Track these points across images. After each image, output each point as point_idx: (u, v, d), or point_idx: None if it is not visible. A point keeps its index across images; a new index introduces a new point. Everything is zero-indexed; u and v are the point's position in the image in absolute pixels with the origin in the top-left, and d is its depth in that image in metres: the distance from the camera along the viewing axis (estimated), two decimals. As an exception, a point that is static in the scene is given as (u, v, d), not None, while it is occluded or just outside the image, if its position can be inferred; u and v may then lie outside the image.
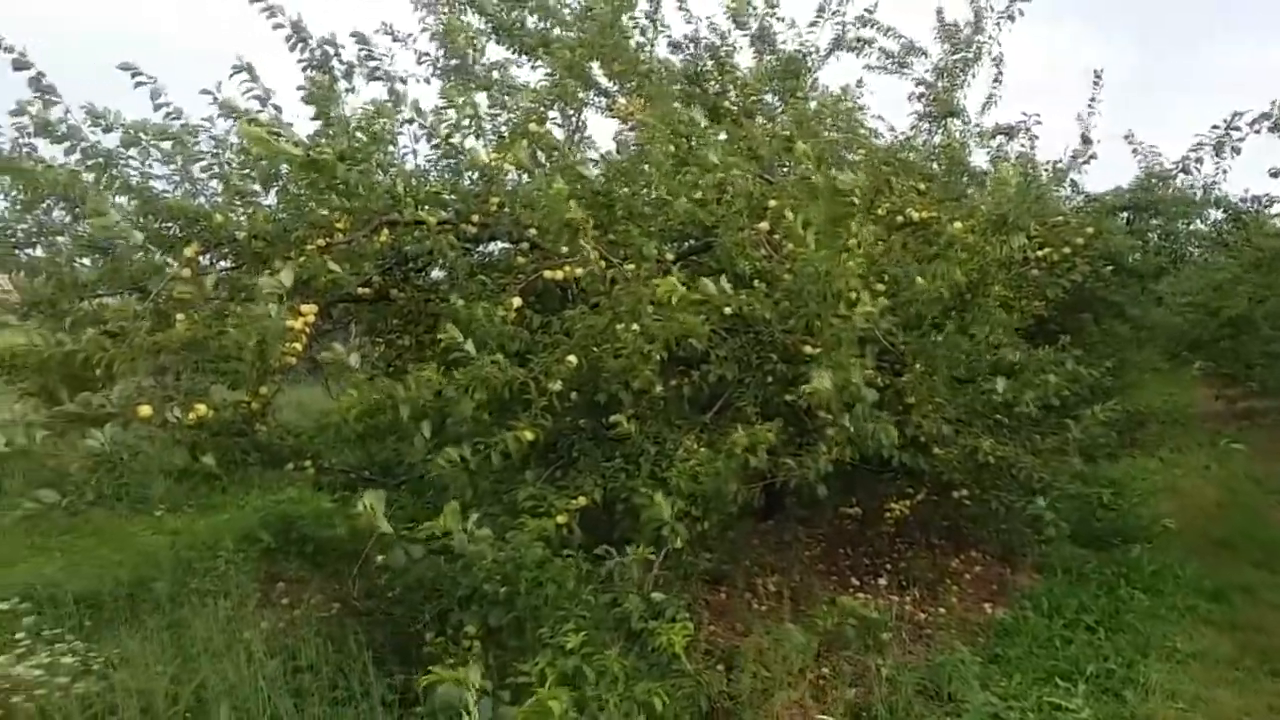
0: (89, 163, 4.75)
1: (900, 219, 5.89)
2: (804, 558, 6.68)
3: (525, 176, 5.26)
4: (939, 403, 5.28)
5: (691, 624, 4.05)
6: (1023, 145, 7.57)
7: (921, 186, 6.33)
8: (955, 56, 7.61)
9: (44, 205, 5.02)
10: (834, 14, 7.65)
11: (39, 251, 5.16)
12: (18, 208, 5.11)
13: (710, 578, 5.86)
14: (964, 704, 4.62)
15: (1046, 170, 7.57)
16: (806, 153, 4.49)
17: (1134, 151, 7.88)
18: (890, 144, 7.30)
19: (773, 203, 4.94)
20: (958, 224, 5.36)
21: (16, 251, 5.16)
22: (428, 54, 5.92)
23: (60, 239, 5.12)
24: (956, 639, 5.43)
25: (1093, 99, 7.66)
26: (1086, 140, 7.66)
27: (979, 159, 7.63)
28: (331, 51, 5.25)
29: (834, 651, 5.13)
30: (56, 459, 3.72)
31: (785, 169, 5.82)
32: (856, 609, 5.05)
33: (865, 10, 7.81)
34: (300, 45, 5.14)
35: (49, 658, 4.22)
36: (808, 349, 4.62)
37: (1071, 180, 7.79)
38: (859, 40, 7.83)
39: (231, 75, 4.61)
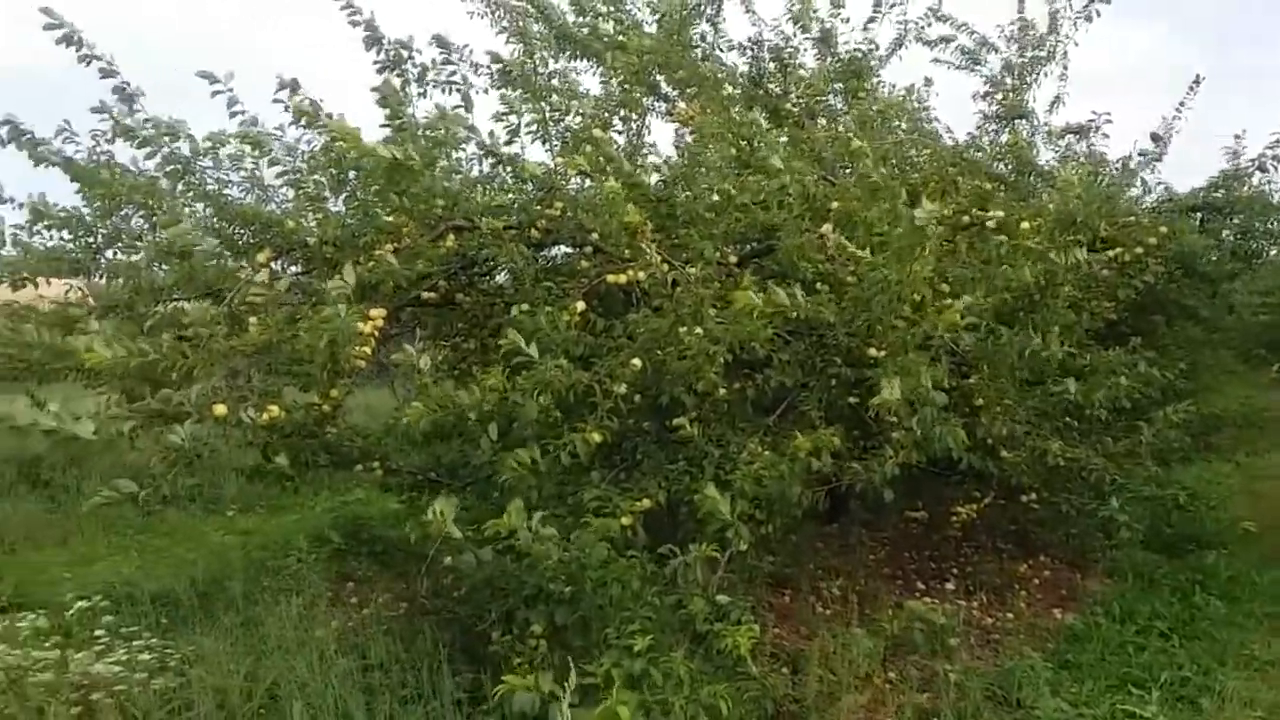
0: (168, 169, 4.89)
1: (966, 219, 5.83)
2: (869, 561, 6.65)
3: (587, 181, 5.30)
4: (1007, 405, 5.21)
5: (756, 626, 4.05)
6: (1091, 144, 7.44)
7: (988, 186, 6.25)
8: (1027, 56, 7.50)
9: (123, 211, 5.14)
10: (892, 7, 7.59)
11: (117, 255, 5.28)
12: (97, 213, 5.25)
13: (774, 580, 5.85)
14: (1034, 710, 4.56)
15: (1116, 169, 7.43)
16: (864, 150, 4.46)
17: (1234, 154, 7.69)
18: (956, 144, 7.23)
19: (835, 205, 4.93)
20: (1025, 224, 5.29)
21: (96, 256, 5.30)
22: (485, 66, 5.97)
23: (139, 243, 5.25)
24: (1026, 644, 5.36)
25: (1181, 103, 7.53)
26: (1156, 139, 7.51)
27: (1047, 157, 7.50)
28: (405, 55, 5.29)
29: (900, 656, 5.10)
30: (138, 452, 3.84)
31: (848, 170, 5.77)
32: (923, 613, 5.01)
33: (929, 9, 7.76)
34: (375, 46, 5.19)
35: (127, 655, 4.35)
36: (872, 352, 4.60)
37: (1142, 179, 7.63)
38: (940, 38, 7.79)
39: (276, 93, 4.67)
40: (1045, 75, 7.51)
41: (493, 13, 6.03)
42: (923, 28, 7.77)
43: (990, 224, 5.49)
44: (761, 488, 4.28)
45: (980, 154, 7.01)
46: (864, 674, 4.74)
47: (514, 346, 3.98)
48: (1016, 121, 7.53)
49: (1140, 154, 7.49)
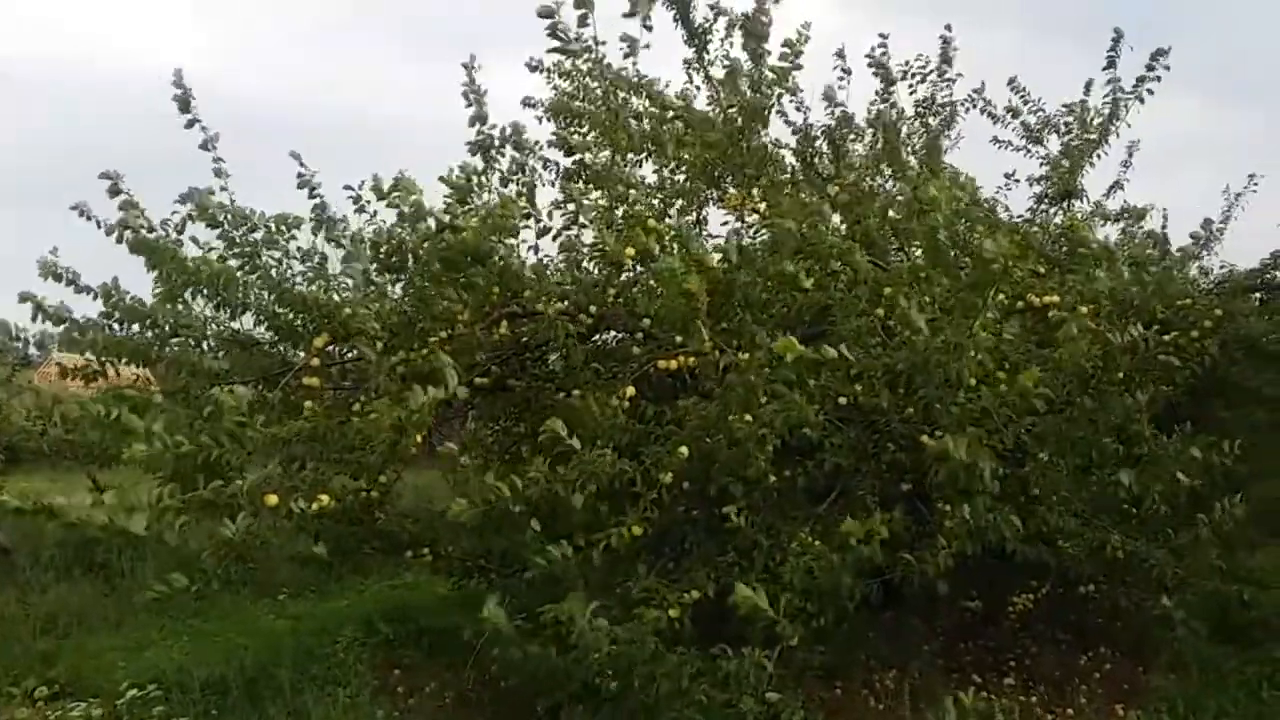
0: (234, 251, 5.01)
1: (1020, 304, 5.77)
2: (923, 652, 6.46)
3: (641, 267, 5.33)
4: (1064, 495, 5.10)
5: (808, 725, 3.95)
6: (1143, 229, 7.41)
7: (1041, 270, 6.19)
8: (1081, 139, 7.47)
9: (186, 295, 5.20)
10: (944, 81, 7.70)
11: (182, 342, 5.35)
12: (164, 297, 5.32)
13: (825, 672, 5.70)
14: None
15: (1173, 253, 7.35)
16: (937, 198, 4.43)
17: None
18: (1014, 225, 7.19)
19: (888, 290, 4.90)
20: (1081, 309, 5.22)
21: (162, 345, 5.36)
22: (553, 160, 6.10)
23: (201, 332, 5.32)
24: (1086, 743, 5.17)
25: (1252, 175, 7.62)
26: (1208, 222, 7.46)
27: (1103, 237, 7.41)
28: (497, 139, 5.50)
29: (957, 754, 4.92)
30: (190, 546, 3.87)
31: (900, 256, 5.76)
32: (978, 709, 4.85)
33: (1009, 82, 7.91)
34: (478, 125, 5.45)
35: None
36: (926, 439, 4.55)
37: (1197, 261, 7.55)
38: (1008, 109, 7.89)
39: (377, 191, 4.83)
40: (1100, 157, 7.47)
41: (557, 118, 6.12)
42: (986, 102, 7.84)
43: (1048, 309, 5.43)
44: (812, 579, 4.20)
45: (1035, 235, 6.95)
46: (919, 772, 4.59)
47: (555, 436, 3.97)
48: (1071, 203, 7.49)
49: (1191, 236, 7.43)
